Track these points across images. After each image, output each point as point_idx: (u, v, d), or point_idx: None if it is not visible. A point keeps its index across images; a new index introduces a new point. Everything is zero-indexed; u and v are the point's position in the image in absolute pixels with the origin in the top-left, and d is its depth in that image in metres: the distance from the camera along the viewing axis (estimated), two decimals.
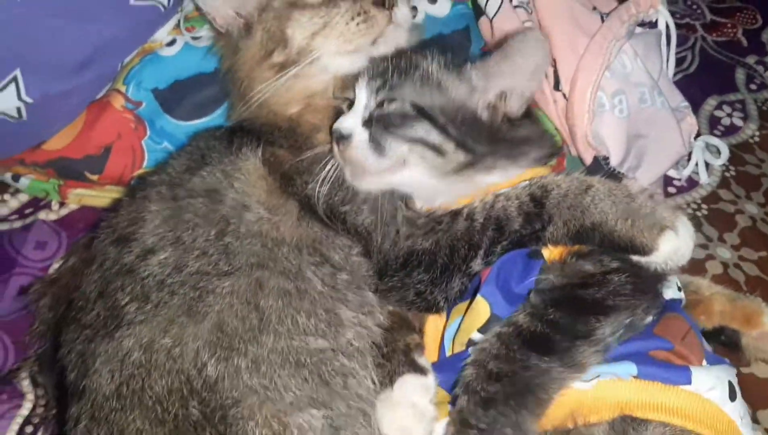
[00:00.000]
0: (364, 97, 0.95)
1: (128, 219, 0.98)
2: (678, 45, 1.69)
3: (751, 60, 1.73)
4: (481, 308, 0.85)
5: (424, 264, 0.92)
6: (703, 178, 1.39)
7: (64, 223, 1.26)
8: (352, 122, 0.94)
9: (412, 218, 0.95)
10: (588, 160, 1.21)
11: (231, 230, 0.93)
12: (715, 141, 1.42)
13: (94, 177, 1.21)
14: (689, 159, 1.38)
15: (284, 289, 0.89)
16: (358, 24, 0.99)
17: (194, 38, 1.21)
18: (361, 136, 0.92)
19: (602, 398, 0.78)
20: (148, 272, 0.90)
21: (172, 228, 0.94)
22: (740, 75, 1.68)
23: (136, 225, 0.96)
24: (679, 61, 1.68)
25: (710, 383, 0.79)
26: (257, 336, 0.85)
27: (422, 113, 0.92)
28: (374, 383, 0.89)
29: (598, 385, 0.79)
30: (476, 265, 0.90)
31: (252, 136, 1.02)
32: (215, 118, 1.21)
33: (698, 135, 1.46)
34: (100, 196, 1.25)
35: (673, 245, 0.82)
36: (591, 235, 0.84)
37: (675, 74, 1.62)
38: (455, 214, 0.93)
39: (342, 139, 0.93)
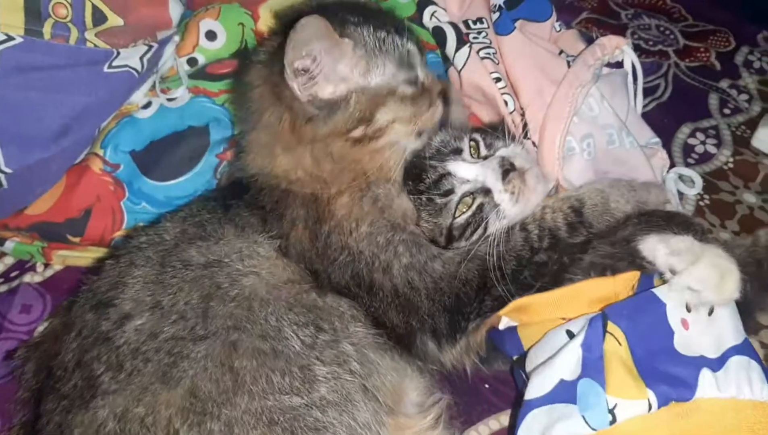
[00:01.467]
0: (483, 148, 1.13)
1: (109, 284, 1.01)
2: (651, 73, 1.75)
3: (724, 84, 1.75)
4: None
5: (497, 277, 1.01)
6: (677, 209, 1.41)
7: (49, 285, 1.28)
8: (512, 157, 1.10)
9: (471, 246, 1.07)
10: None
11: (219, 295, 0.96)
12: (687, 171, 1.45)
13: (76, 239, 1.24)
14: None
15: (260, 350, 0.92)
16: (431, 114, 1.11)
17: (169, 99, 1.24)
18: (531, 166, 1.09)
19: (765, 423, 0.81)
20: (123, 340, 0.92)
21: (153, 292, 0.97)
22: (713, 100, 1.71)
23: (117, 289, 0.99)
24: (652, 90, 1.71)
25: None
26: (231, 398, 0.87)
27: None
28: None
29: (764, 407, 0.82)
30: (540, 258, 1.03)
31: (252, 212, 1.07)
32: (190, 177, 1.24)
33: (672, 165, 1.50)
34: (83, 257, 1.28)
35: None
36: None
37: (648, 103, 1.67)
38: (508, 229, 1.05)
39: (514, 171, 1.07)
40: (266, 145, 1.08)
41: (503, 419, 1.12)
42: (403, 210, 1.08)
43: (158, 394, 0.87)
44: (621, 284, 0.96)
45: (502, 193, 1.07)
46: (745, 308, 1.06)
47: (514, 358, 1.05)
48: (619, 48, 1.32)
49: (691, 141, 1.60)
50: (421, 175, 1.12)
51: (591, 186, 1.11)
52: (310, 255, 1.04)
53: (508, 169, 1.07)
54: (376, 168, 1.06)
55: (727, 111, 1.68)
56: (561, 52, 1.33)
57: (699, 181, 1.44)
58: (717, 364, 0.83)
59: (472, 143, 1.14)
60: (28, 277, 1.29)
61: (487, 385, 1.16)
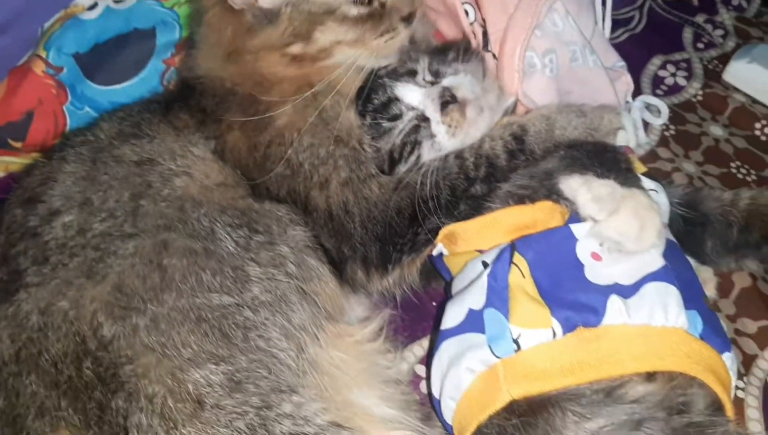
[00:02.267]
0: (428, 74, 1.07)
1: (40, 180, 0.98)
2: (626, 5, 1.71)
3: (700, 18, 1.71)
4: None
5: (431, 207, 0.97)
6: (641, 137, 1.38)
7: None
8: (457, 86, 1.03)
9: (404, 175, 1.02)
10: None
11: (150, 193, 0.94)
12: (654, 100, 1.42)
13: (18, 144, 1.21)
14: None
15: (191, 249, 0.90)
16: (386, 41, 1.04)
17: (116, 1, 1.19)
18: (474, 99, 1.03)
19: (674, 351, 0.78)
20: (51, 235, 0.91)
21: (83, 189, 0.95)
22: (687, 34, 1.67)
23: (46, 186, 0.96)
24: (626, 21, 1.67)
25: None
26: (158, 294, 0.85)
27: None
28: (285, 336, 0.89)
29: (676, 334, 0.79)
30: (476, 190, 0.98)
31: (192, 114, 1.04)
32: (136, 82, 1.21)
33: (640, 95, 1.47)
34: (25, 163, 1.24)
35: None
36: None
37: (621, 34, 1.62)
38: (444, 157, 1.01)
39: (454, 103, 1.01)
40: (213, 48, 1.05)
41: None
42: (349, 124, 1.04)
43: (83, 289, 0.85)
44: (540, 211, 0.91)
45: (440, 124, 1.03)
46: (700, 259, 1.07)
47: (448, 281, 1.03)
48: None
49: (662, 73, 1.57)
50: (370, 95, 1.07)
51: (537, 111, 1.06)
52: (246, 163, 1.01)
53: (447, 101, 1.02)
54: (323, 82, 1.02)
55: (700, 45, 1.65)
56: None
57: (665, 111, 1.41)
58: (631, 290, 0.80)
59: (424, 68, 1.09)
60: None
61: (434, 303, 1.14)
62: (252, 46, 1.00)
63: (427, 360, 1.02)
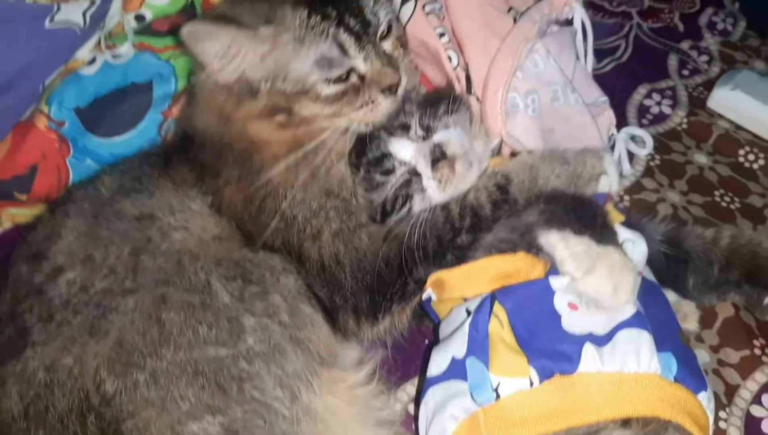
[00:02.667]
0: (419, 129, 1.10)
1: (44, 235, 1.03)
2: (612, 34, 1.75)
3: (685, 45, 1.75)
4: None
5: (418, 258, 1.00)
6: (626, 169, 1.41)
7: None
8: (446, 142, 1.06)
9: (393, 226, 1.06)
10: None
11: (149, 249, 0.98)
12: (638, 131, 1.45)
13: (23, 196, 1.25)
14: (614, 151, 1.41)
15: (188, 302, 0.94)
16: (365, 113, 1.06)
17: (114, 56, 1.24)
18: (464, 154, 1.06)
19: (646, 396, 0.81)
20: (55, 292, 0.95)
21: (85, 245, 0.99)
22: (673, 61, 1.70)
23: (50, 241, 1.01)
24: (612, 50, 1.72)
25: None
26: (157, 349, 0.89)
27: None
28: (280, 385, 0.93)
29: (648, 379, 0.82)
30: (462, 240, 1.02)
31: (192, 168, 1.08)
32: (134, 134, 1.25)
33: (625, 125, 1.50)
34: (32, 214, 1.28)
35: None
36: None
37: (607, 63, 1.66)
38: (431, 208, 1.04)
39: (444, 159, 1.05)
40: (209, 109, 1.09)
41: None
42: (340, 176, 1.08)
43: (86, 345, 0.89)
44: (521, 261, 0.95)
45: (430, 180, 1.06)
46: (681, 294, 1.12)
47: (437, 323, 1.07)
48: (569, 5, 1.31)
49: (647, 102, 1.60)
50: (364, 149, 1.11)
51: (521, 159, 1.09)
52: (242, 216, 1.05)
53: (438, 158, 1.05)
54: (312, 143, 1.05)
55: (685, 72, 1.68)
56: (510, 9, 1.32)
57: (650, 142, 1.44)
58: (604, 340, 0.84)
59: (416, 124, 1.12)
60: None
61: (426, 341, 1.18)
62: (239, 116, 1.05)
63: (415, 405, 1.06)
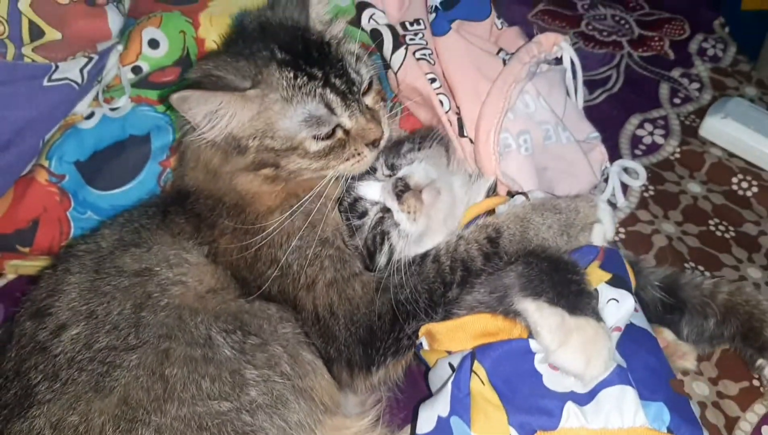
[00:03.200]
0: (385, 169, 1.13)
1: (47, 291, 1.04)
2: (603, 64, 1.77)
3: (676, 73, 1.77)
4: None
5: (410, 312, 1.02)
6: (620, 201, 1.43)
7: (2, 294, 1.31)
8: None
9: (384, 277, 1.06)
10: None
11: (150, 304, 1.00)
12: (631, 163, 1.47)
13: (26, 249, 1.27)
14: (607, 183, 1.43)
15: (190, 356, 0.95)
16: (351, 165, 1.09)
17: (112, 109, 1.27)
18: (429, 182, 1.07)
19: None
20: (59, 349, 0.96)
21: (88, 302, 1.00)
22: (664, 90, 1.73)
23: (53, 297, 1.02)
24: (604, 81, 1.74)
25: None
26: (161, 405, 0.91)
27: None
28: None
29: (635, 432, 0.83)
30: (453, 294, 1.02)
31: (189, 220, 1.10)
32: (134, 186, 1.27)
33: (618, 157, 1.52)
34: (34, 266, 1.30)
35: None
36: None
37: (599, 94, 1.69)
38: (421, 259, 1.05)
39: (408, 190, 1.06)
40: (198, 166, 1.11)
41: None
42: (334, 224, 1.10)
43: (91, 403, 0.91)
44: (503, 321, 0.95)
45: (399, 212, 1.07)
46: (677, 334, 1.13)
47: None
48: (557, 45, 1.34)
49: (639, 132, 1.62)
50: (341, 198, 1.13)
51: (513, 212, 1.08)
52: (238, 264, 1.07)
53: (402, 190, 1.07)
54: (311, 194, 1.07)
55: (677, 100, 1.71)
56: (500, 50, 1.35)
57: (643, 173, 1.46)
58: (586, 398, 0.85)
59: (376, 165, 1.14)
60: None
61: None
62: (226, 169, 1.07)
63: None
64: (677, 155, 1.57)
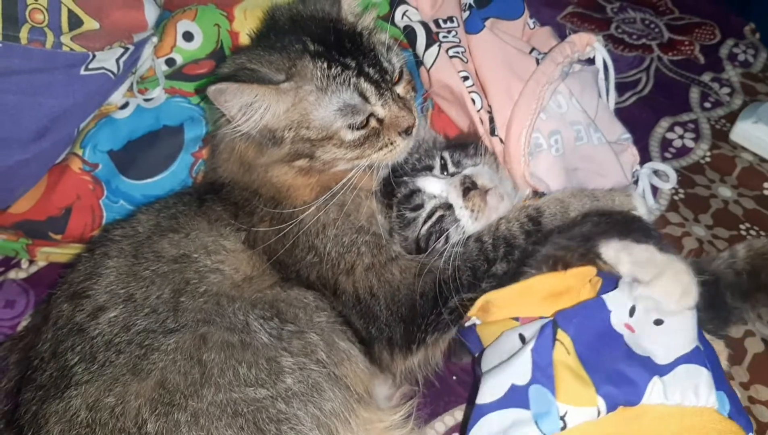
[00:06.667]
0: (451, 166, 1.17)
1: (84, 274, 1.05)
2: (633, 67, 1.76)
3: (707, 77, 1.76)
4: None
5: (453, 289, 1.04)
6: (650, 203, 1.41)
7: (32, 281, 1.33)
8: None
9: (426, 260, 1.08)
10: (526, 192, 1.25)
11: (189, 290, 1.01)
12: (661, 166, 1.46)
13: (58, 237, 1.28)
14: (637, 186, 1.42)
15: (228, 342, 0.96)
16: (385, 154, 1.10)
17: (146, 100, 1.27)
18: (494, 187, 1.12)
19: (707, 430, 0.85)
20: (97, 331, 0.97)
21: (126, 285, 1.01)
22: (695, 94, 1.72)
23: (91, 280, 1.03)
24: (634, 84, 1.73)
25: None
26: (198, 390, 0.91)
27: None
28: (317, 425, 0.94)
29: (708, 413, 0.85)
30: (497, 269, 1.05)
31: (225, 207, 1.11)
32: (167, 176, 1.28)
33: (648, 160, 1.51)
34: (66, 253, 1.32)
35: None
36: None
37: (629, 97, 1.68)
38: (464, 242, 1.07)
39: (475, 189, 1.11)
40: (231, 159, 1.12)
41: (469, 410, 1.15)
42: (369, 212, 1.11)
43: (129, 385, 0.91)
44: (573, 278, 0.98)
45: (463, 209, 1.11)
46: (724, 315, 1.12)
47: (476, 355, 1.07)
48: (590, 45, 1.33)
49: (669, 135, 1.61)
50: (393, 191, 1.17)
51: (552, 195, 1.13)
52: (276, 248, 1.07)
53: (468, 187, 1.10)
54: (339, 185, 1.08)
55: (707, 105, 1.69)
56: (533, 50, 1.34)
57: (673, 176, 1.45)
58: (665, 369, 0.86)
59: (442, 161, 1.18)
60: (12, 274, 1.34)
61: (454, 377, 1.19)
62: (261, 162, 1.08)
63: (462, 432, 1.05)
64: (708, 159, 1.56)
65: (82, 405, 0.90)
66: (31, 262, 1.36)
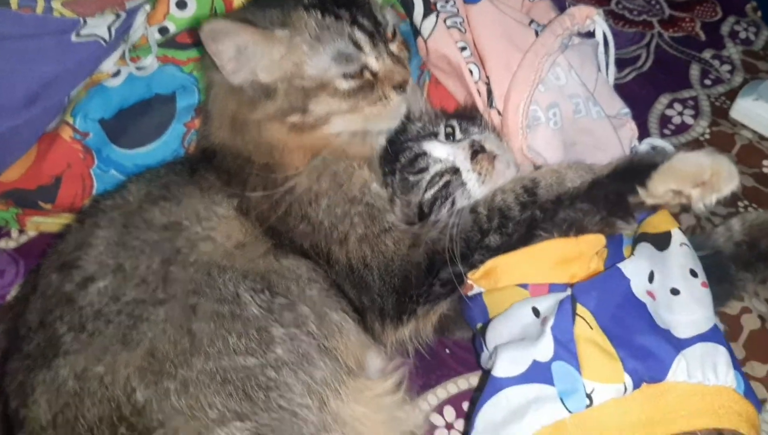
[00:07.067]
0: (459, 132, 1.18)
1: (74, 245, 1.04)
2: (633, 43, 1.75)
3: (707, 54, 1.74)
4: None
5: (447, 259, 1.02)
6: None
7: (22, 250, 1.32)
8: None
9: (419, 230, 1.08)
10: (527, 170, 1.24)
11: (179, 260, 1.00)
12: (660, 142, 1.44)
13: (48, 206, 1.27)
14: None
15: (218, 313, 0.95)
16: (378, 108, 1.09)
17: (138, 68, 1.25)
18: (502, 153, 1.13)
19: (727, 409, 0.85)
20: (86, 301, 0.96)
21: (115, 255, 1.00)
22: (695, 71, 1.70)
23: (80, 250, 1.02)
24: (633, 60, 1.71)
25: None
26: (188, 359, 0.90)
27: None
28: (308, 392, 0.93)
29: (727, 392, 0.85)
30: (490, 241, 1.03)
31: (219, 175, 1.10)
32: (158, 145, 1.26)
33: (647, 135, 1.50)
34: (56, 223, 1.31)
35: None
36: None
37: (629, 73, 1.66)
38: (459, 212, 1.06)
39: (483, 153, 1.11)
40: (223, 121, 1.11)
41: (461, 383, 1.15)
42: (362, 182, 1.10)
43: (118, 355, 0.90)
44: (584, 245, 0.98)
45: (470, 172, 1.11)
46: (728, 288, 1.14)
47: (478, 326, 1.06)
48: (590, 18, 1.31)
49: (669, 112, 1.60)
50: (397, 156, 1.16)
51: (548, 167, 1.11)
52: (269, 216, 1.06)
53: (477, 151, 1.10)
54: (329, 150, 1.08)
55: (708, 82, 1.68)
56: (532, 21, 1.32)
57: (672, 152, 1.43)
58: (685, 344, 0.86)
59: (449, 129, 1.18)
60: (2, 243, 1.33)
61: (447, 350, 1.19)
62: (254, 118, 1.07)
63: (473, 404, 1.03)
64: (707, 136, 1.55)
65: (70, 374, 0.89)
66: (21, 231, 1.34)
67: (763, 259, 1.14)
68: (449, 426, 1.11)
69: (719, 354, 0.86)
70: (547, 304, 0.94)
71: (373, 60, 1.06)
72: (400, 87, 1.09)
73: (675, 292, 0.91)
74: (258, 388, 0.90)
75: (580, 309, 0.89)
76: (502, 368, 0.90)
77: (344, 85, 1.05)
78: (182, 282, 0.97)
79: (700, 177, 0.97)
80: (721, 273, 1.14)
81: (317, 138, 1.08)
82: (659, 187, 0.99)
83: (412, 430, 1.03)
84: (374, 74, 1.07)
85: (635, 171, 1.02)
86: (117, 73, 1.25)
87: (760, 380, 1.14)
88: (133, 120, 1.24)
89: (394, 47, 1.10)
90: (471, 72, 1.25)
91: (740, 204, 1.40)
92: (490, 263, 1.01)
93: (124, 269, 0.98)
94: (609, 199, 1.02)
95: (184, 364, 0.90)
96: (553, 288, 0.99)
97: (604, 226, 1.02)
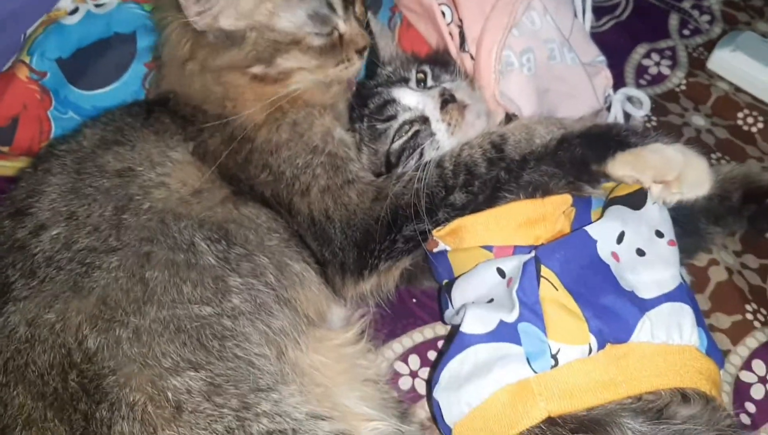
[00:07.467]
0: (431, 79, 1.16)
1: (27, 191, 1.01)
2: None
3: (687, 4, 1.70)
4: None
5: (409, 215, 1.01)
6: None
7: None
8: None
9: (382, 184, 1.05)
10: (499, 118, 1.22)
11: (132, 207, 0.97)
12: (635, 92, 1.42)
13: (5, 148, 1.23)
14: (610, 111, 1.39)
15: (172, 261, 0.93)
16: (341, 70, 1.10)
17: (97, 5, 1.20)
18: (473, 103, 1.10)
19: (689, 368, 0.85)
20: (38, 249, 0.94)
21: (68, 203, 0.98)
22: (674, 21, 1.66)
23: (33, 198, 0.99)
24: (612, 8, 1.67)
25: None
26: (141, 307, 0.88)
27: None
28: (266, 341, 0.92)
29: (689, 352, 0.86)
30: (454, 199, 1.00)
31: (174, 119, 1.07)
32: (118, 86, 1.22)
33: (623, 86, 1.47)
34: (14, 167, 1.26)
35: None
36: None
37: (606, 21, 1.62)
38: (424, 166, 1.02)
39: (453, 102, 1.08)
40: (175, 65, 1.08)
41: (427, 332, 1.14)
42: (324, 130, 1.08)
43: (69, 302, 0.88)
44: (550, 206, 0.96)
45: (439, 122, 1.08)
46: (696, 241, 1.14)
47: (444, 282, 1.06)
48: None
49: (646, 62, 1.57)
50: (366, 101, 1.13)
51: (517, 122, 1.09)
52: (228, 163, 1.03)
53: (447, 100, 1.07)
54: (289, 102, 1.06)
55: (686, 32, 1.65)
56: None
57: (647, 102, 1.41)
58: (650, 305, 0.86)
59: (420, 75, 1.15)
60: None
61: (414, 300, 1.18)
62: (214, 66, 1.04)
63: (439, 358, 1.03)
64: (683, 87, 1.53)
65: (21, 321, 0.87)
66: None
67: (734, 212, 1.13)
68: (414, 374, 1.10)
69: (684, 313, 0.86)
70: (512, 264, 0.93)
71: (341, 22, 1.06)
72: (362, 51, 1.10)
73: (640, 252, 0.91)
74: (213, 338, 0.89)
75: (545, 271, 0.88)
76: (470, 325, 0.90)
77: (316, 42, 1.05)
78: (135, 229, 0.95)
79: (663, 175, 0.93)
80: (691, 226, 1.13)
81: (276, 90, 1.05)
82: (618, 170, 0.96)
83: (374, 379, 1.02)
84: (341, 36, 1.07)
85: (605, 143, 0.98)
86: (75, 11, 1.20)
87: (724, 332, 1.14)
88: (92, 60, 1.20)
89: (357, 8, 1.10)
90: (443, 14, 1.22)
91: (713, 156, 1.39)
92: (456, 222, 1.00)
93: (77, 217, 0.96)
94: (574, 164, 0.98)
95: (137, 312, 0.88)
96: (518, 250, 0.98)
97: (571, 189, 0.99)
